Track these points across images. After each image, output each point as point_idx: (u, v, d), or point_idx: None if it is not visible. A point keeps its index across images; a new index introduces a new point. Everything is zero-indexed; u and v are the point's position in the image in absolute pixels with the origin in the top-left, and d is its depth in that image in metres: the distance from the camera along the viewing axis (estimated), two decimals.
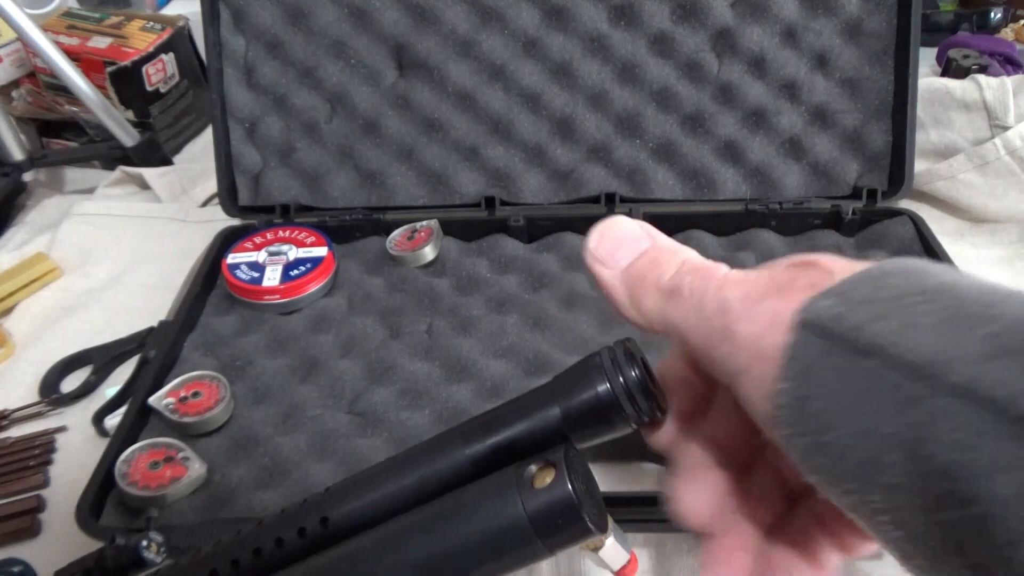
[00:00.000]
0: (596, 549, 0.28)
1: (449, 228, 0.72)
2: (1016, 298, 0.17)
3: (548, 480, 0.24)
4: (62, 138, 0.95)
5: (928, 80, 0.78)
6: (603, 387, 0.26)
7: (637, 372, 0.26)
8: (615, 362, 0.26)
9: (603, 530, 0.26)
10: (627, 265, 0.25)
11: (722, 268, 0.23)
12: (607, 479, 0.53)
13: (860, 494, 0.18)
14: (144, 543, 0.34)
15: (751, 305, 0.21)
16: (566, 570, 0.49)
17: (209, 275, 0.68)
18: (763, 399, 0.20)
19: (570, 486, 0.24)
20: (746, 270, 0.23)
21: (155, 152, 0.90)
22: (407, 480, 0.27)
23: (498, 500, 0.25)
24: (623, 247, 0.25)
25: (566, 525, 0.24)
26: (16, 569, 0.47)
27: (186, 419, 0.54)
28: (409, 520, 0.26)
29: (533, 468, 0.25)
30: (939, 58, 0.92)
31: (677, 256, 0.24)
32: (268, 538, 0.28)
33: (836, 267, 0.21)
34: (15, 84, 0.94)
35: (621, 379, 0.26)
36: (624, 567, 0.29)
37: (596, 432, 0.26)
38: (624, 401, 0.26)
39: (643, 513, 0.48)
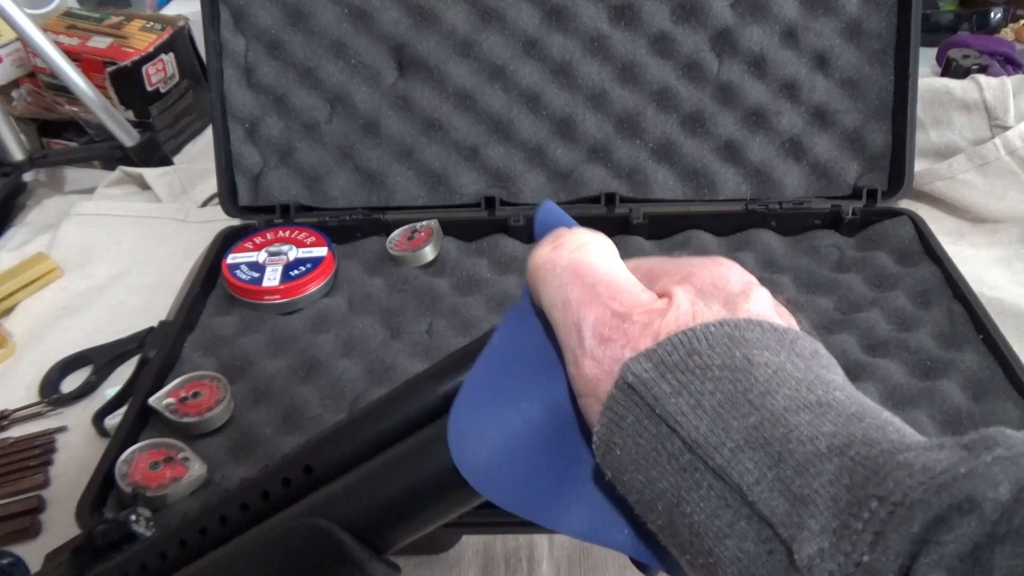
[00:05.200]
0: None
1: (449, 228, 0.72)
2: (786, 387, 0.21)
3: None
4: (62, 138, 0.95)
5: (928, 80, 0.78)
6: None
7: None
8: None
9: None
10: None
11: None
12: None
13: (643, 519, 0.23)
14: (133, 517, 0.34)
15: (600, 344, 0.23)
16: (565, 568, 0.49)
17: (209, 275, 0.68)
18: (590, 420, 0.24)
19: None
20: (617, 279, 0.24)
21: (155, 152, 0.90)
22: (384, 424, 0.28)
23: None
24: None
25: None
26: (5, 561, 0.46)
27: (186, 419, 0.54)
28: (390, 456, 0.27)
29: None
30: (939, 58, 0.92)
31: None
32: (254, 493, 0.29)
33: (683, 300, 0.23)
34: (15, 84, 0.94)
35: None
36: None
37: None
38: None
39: None
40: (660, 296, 0.24)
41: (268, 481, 0.29)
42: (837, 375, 0.23)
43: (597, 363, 0.23)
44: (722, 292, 0.24)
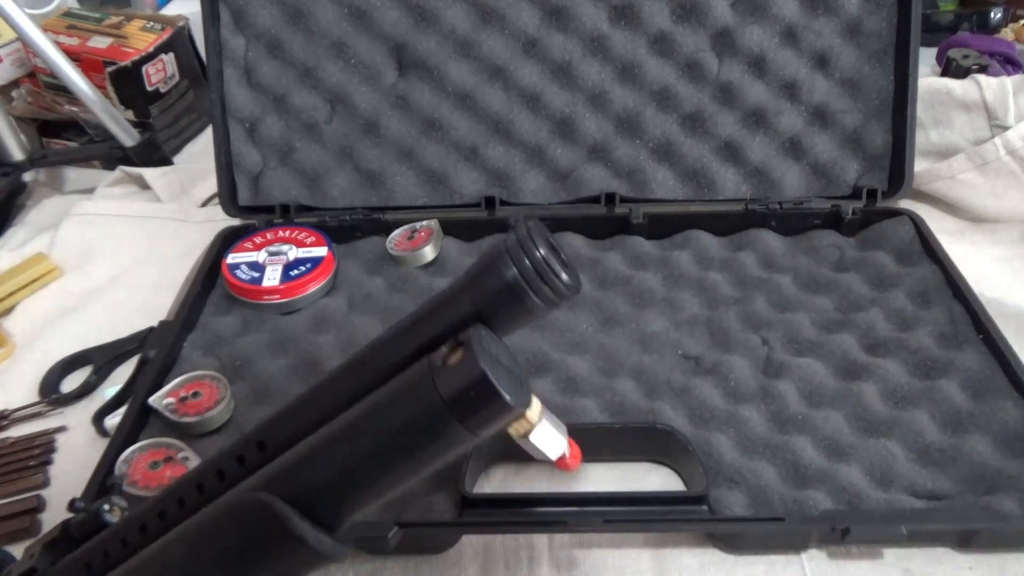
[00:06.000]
0: (526, 434, 0.27)
1: (449, 228, 0.72)
2: None
3: (458, 358, 0.24)
4: (62, 138, 0.95)
5: (928, 80, 0.78)
6: (510, 273, 0.25)
7: (543, 252, 0.25)
8: (521, 246, 0.26)
9: (524, 405, 0.25)
10: None
11: None
12: (608, 479, 0.53)
13: None
14: (106, 507, 0.34)
15: None
16: (566, 568, 0.49)
17: (209, 275, 0.68)
18: None
19: (480, 360, 0.24)
20: None
21: (155, 152, 0.90)
22: (332, 401, 0.27)
23: (413, 388, 0.25)
24: None
25: (481, 400, 0.24)
26: None
27: (186, 419, 0.54)
28: (335, 426, 0.26)
29: (444, 350, 0.25)
30: (939, 58, 0.92)
31: None
32: (209, 473, 0.29)
33: None
34: (15, 84, 0.94)
35: (528, 262, 0.25)
36: (564, 457, 0.28)
37: (514, 317, 0.26)
38: (533, 284, 0.25)
39: (643, 513, 0.48)
40: None
41: (223, 460, 0.29)
42: None
43: None
44: None
